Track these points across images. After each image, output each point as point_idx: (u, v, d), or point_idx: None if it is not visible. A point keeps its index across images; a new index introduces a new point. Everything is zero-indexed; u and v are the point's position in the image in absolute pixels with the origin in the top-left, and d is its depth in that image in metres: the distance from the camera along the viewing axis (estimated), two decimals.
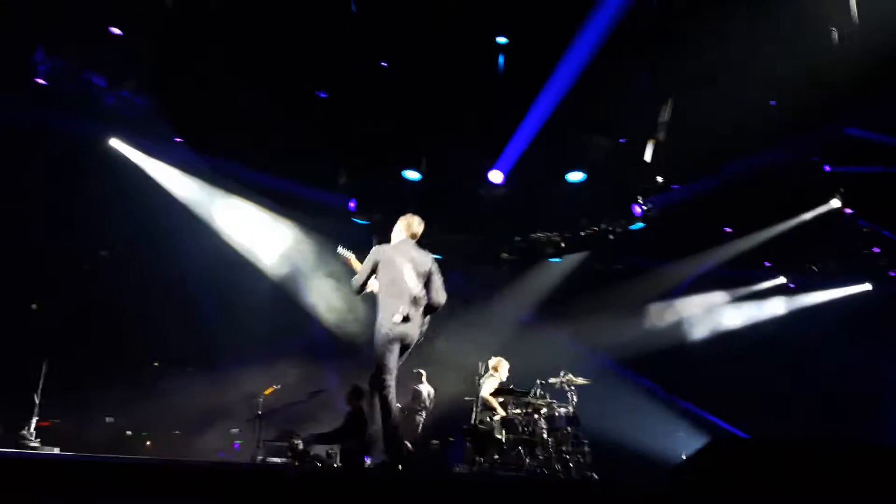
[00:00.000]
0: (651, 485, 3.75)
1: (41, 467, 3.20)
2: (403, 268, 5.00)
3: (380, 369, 4.86)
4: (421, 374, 9.53)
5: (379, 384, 4.85)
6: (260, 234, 11.59)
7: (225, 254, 11.28)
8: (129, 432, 9.56)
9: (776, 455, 2.78)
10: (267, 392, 8.60)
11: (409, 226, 5.39)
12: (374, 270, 5.07)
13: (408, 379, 9.15)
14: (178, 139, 10.08)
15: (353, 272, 5.37)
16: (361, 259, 5.30)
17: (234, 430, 9.99)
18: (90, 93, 9.11)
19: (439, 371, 10.07)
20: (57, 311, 9.74)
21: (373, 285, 5.13)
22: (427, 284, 5.09)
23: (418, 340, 5.10)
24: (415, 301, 4.97)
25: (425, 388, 9.51)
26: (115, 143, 10.23)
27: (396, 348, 4.93)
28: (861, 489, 2.49)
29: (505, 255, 11.30)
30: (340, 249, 5.66)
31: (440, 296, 5.13)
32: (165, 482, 3.05)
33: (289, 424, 8.59)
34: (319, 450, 8.13)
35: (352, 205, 10.13)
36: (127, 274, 10.33)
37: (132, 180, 10.33)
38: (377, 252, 5.12)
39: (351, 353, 11.16)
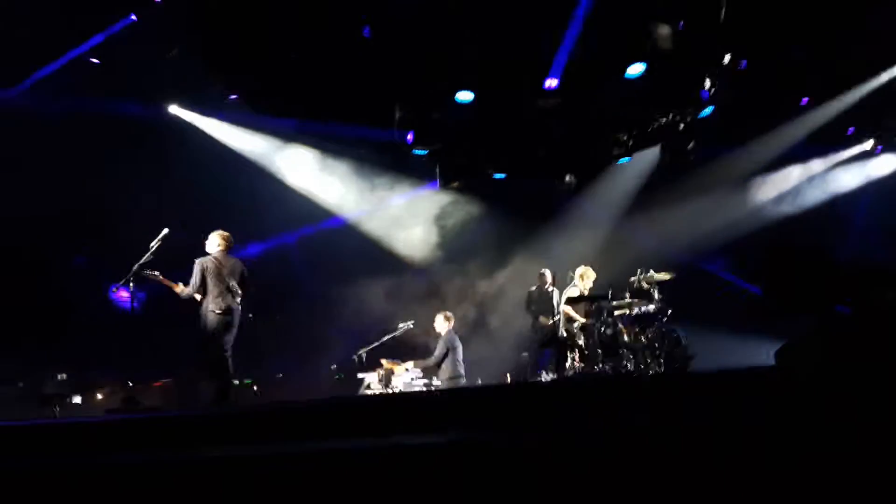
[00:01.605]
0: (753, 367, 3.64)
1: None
2: (223, 270, 7.12)
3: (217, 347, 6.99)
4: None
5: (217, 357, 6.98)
6: (328, 181, 11.83)
7: (304, 205, 11.61)
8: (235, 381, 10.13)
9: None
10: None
11: (225, 239, 7.34)
12: (203, 277, 7.01)
13: None
14: (232, 97, 10.23)
15: None
16: None
17: (333, 367, 10.45)
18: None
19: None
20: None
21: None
22: (241, 283, 7.21)
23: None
24: (234, 295, 7.10)
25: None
26: (175, 109, 10.52)
27: (224, 331, 7.02)
28: None
29: (569, 177, 11.09)
30: (146, 272, 7.09)
31: (249, 289, 7.34)
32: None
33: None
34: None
35: (409, 137, 10.06)
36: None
37: (199, 145, 10.69)
38: (201, 263, 7.08)
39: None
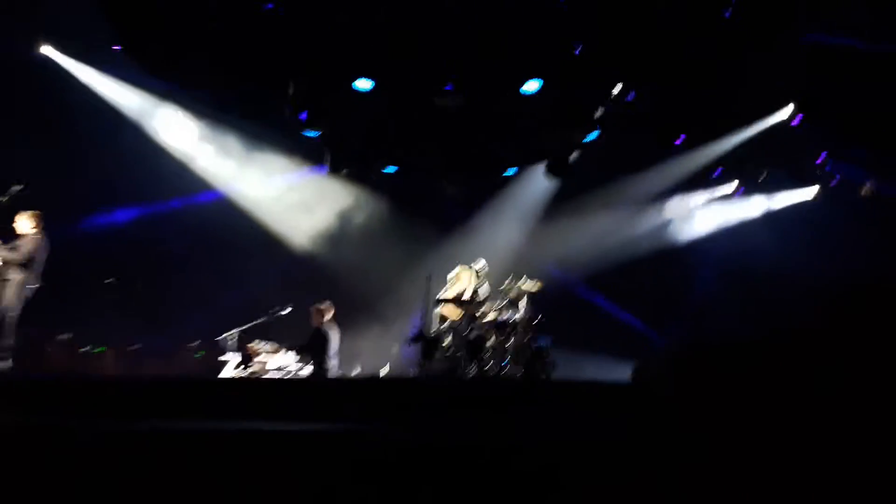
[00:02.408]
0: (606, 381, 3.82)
1: None
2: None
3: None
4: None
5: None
6: (208, 151, 11.31)
7: (182, 174, 11.02)
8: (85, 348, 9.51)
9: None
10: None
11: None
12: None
13: None
14: (116, 47, 9.56)
15: None
16: None
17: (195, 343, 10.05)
18: None
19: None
20: None
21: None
22: None
23: None
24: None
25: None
26: (48, 50, 9.70)
27: None
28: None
29: (450, 189, 11.28)
30: None
31: None
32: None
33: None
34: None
35: (303, 116, 9.81)
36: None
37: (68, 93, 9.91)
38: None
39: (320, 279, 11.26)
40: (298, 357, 8.64)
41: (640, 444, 2.66)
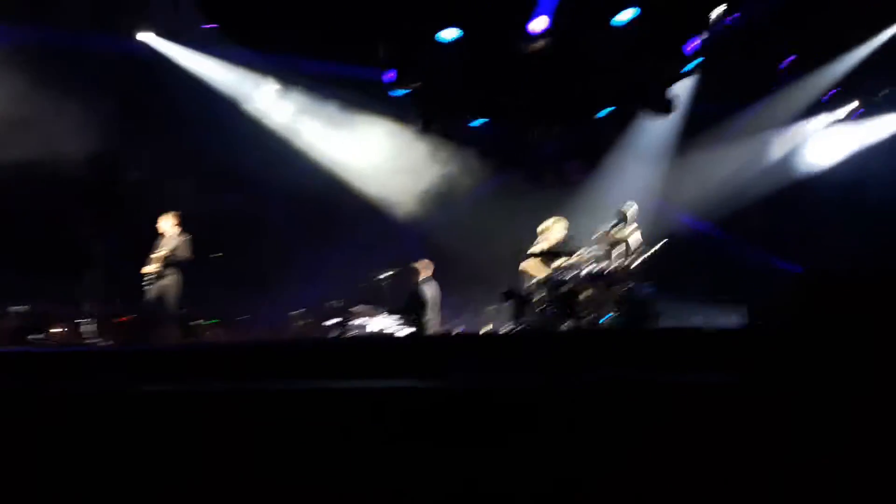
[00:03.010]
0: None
1: None
2: None
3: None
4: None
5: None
6: (307, 123, 11.51)
7: (282, 146, 11.29)
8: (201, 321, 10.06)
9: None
10: None
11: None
12: None
13: None
14: (207, 26, 9.83)
15: None
16: None
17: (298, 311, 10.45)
18: None
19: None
20: None
21: None
22: None
23: None
24: None
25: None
26: (145, 36, 10.09)
27: None
28: None
29: (541, 137, 10.92)
30: None
31: None
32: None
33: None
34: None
35: (390, 75, 9.74)
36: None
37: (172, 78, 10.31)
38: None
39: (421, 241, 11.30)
40: (399, 317, 8.76)
41: (757, 389, 2.47)
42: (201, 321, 9.70)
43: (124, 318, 9.16)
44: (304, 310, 10.32)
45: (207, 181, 10.54)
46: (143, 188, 10.22)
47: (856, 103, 11.21)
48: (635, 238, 7.66)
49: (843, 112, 11.38)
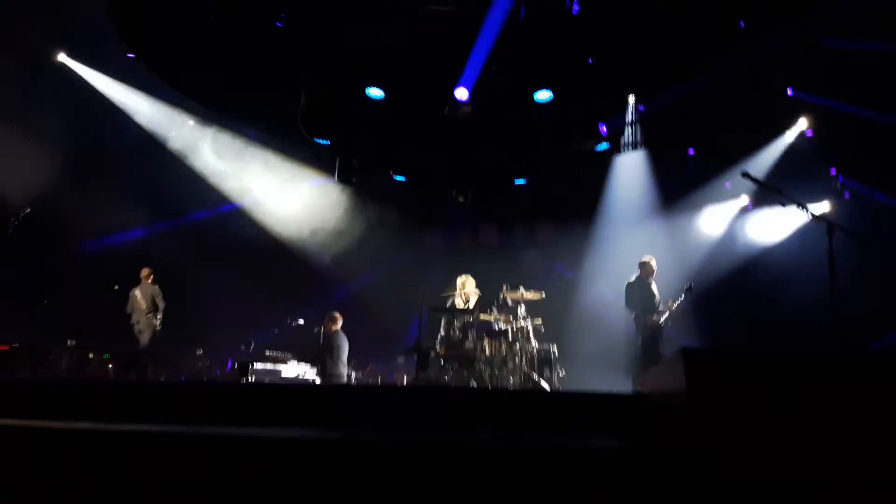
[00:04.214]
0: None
1: None
2: None
3: None
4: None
5: None
6: (219, 161, 11.36)
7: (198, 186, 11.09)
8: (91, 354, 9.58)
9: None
10: None
11: None
12: None
13: None
14: (130, 55, 9.67)
15: None
16: None
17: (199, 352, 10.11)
18: None
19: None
20: None
21: None
22: None
23: None
24: None
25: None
26: (65, 58, 9.83)
27: None
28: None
29: (461, 198, 11.26)
30: None
31: None
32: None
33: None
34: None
35: (313, 125, 9.84)
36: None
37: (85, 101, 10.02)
38: None
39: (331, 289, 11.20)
40: (310, 365, 8.71)
41: (644, 455, 2.61)
42: (94, 355, 9.24)
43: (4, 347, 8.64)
44: (201, 350, 9.99)
45: (120, 212, 10.22)
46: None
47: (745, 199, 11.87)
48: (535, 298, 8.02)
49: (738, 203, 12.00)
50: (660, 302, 8.38)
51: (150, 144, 10.72)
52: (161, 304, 9.60)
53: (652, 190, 11.50)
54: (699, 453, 2.48)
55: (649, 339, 8.06)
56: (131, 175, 10.40)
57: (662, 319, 8.16)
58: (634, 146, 10.40)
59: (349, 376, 9.19)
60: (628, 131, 10.25)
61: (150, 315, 9.45)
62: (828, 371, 2.52)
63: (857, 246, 5.72)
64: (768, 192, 5.53)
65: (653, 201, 11.60)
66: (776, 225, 10.96)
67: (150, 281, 9.65)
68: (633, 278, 8.52)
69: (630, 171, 11.10)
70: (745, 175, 5.82)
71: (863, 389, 2.36)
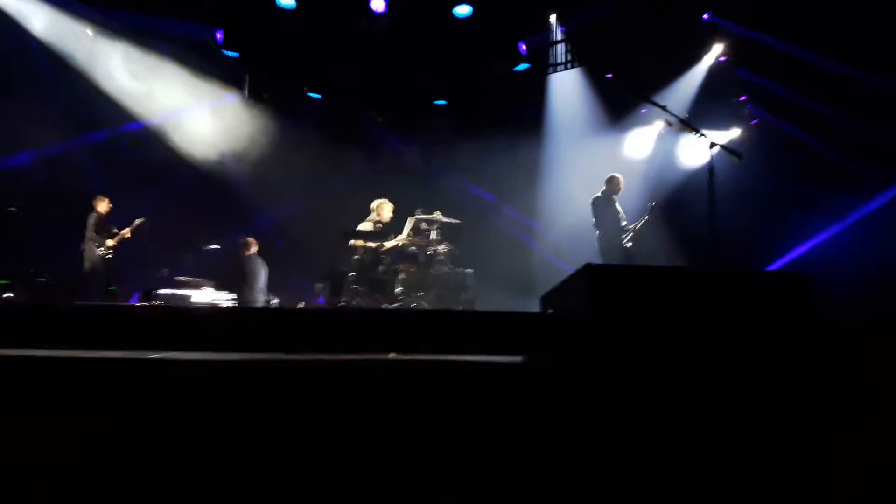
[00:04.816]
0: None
1: None
2: None
3: None
4: None
5: None
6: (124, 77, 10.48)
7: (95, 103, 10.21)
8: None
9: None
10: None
11: None
12: None
13: None
14: None
15: None
16: None
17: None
18: None
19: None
20: None
21: None
22: None
23: None
24: None
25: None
26: None
27: None
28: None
29: (379, 119, 10.93)
30: None
31: None
32: None
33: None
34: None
35: (219, 35, 9.22)
36: None
37: None
38: None
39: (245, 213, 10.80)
40: (224, 290, 8.55)
41: (540, 369, 2.65)
42: None
43: None
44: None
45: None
46: None
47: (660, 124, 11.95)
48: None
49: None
50: (626, 220, 8.01)
51: (47, 57, 9.78)
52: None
53: (582, 111, 11.46)
54: (603, 363, 2.55)
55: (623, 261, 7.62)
56: (31, 93, 9.52)
57: (628, 239, 7.83)
58: (566, 66, 10.29)
59: (267, 302, 9.06)
60: (557, 50, 10.10)
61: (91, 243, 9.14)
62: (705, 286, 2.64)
63: (740, 167, 5.87)
64: (669, 117, 5.56)
65: (584, 122, 11.55)
66: (692, 148, 11.19)
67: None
68: (599, 194, 8.14)
69: (561, 91, 10.96)
70: (649, 101, 5.86)
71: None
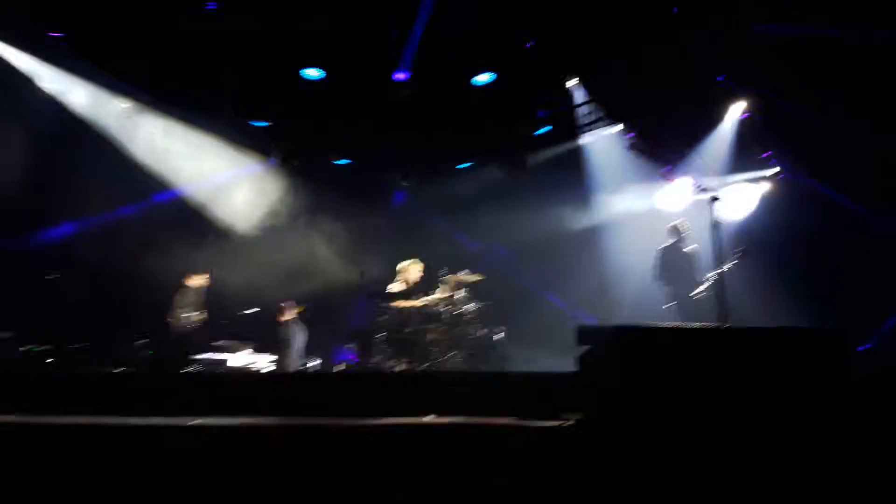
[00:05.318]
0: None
1: None
2: None
3: None
4: None
5: None
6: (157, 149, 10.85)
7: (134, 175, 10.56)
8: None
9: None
10: None
11: None
12: None
13: None
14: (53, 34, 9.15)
15: None
16: None
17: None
18: None
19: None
20: None
21: None
22: None
23: None
24: None
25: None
26: None
27: None
28: None
29: (404, 182, 11.17)
30: None
31: None
32: None
33: None
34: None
35: (249, 107, 9.56)
36: None
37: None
38: None
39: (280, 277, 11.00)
40: (262, 354, 8.61)
41: (586, 430, 2.66)
42: (31, 347, 8.79)
43: None
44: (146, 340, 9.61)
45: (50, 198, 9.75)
46: None
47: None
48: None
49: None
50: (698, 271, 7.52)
51: (83, 131, 10.16)
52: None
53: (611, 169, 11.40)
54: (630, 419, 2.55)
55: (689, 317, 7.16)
56: (72, 166, 9.86)
57: (698, 292, 7.26)
58: (589, 127, 10.38)
59: (303, 365, 9.06)
60: (580, 112, 10.23)
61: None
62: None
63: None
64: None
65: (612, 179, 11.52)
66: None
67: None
68: (667, 244, 7.88)
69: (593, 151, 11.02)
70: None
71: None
